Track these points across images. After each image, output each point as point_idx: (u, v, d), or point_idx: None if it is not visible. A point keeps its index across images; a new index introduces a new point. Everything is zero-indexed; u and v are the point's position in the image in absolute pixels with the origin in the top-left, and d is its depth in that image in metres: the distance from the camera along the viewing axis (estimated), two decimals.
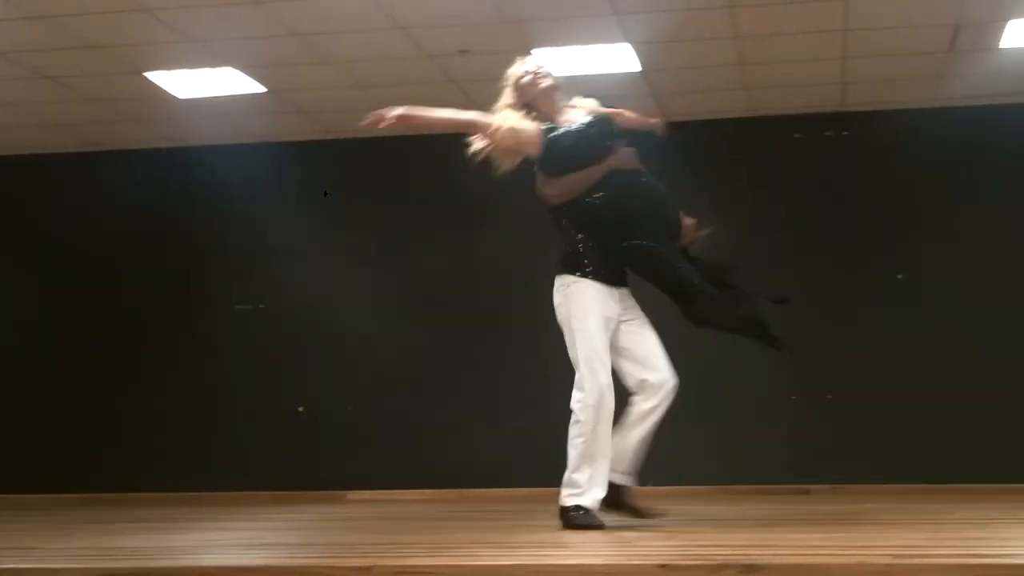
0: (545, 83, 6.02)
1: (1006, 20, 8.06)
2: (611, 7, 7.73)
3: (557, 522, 5.62)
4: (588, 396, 5.59)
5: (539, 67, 6.09)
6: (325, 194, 10.38)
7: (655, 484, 9.35)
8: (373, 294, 10.27)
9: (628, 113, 6.25)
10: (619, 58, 8.61)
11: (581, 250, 5.75)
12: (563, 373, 9.71)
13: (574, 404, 5.69)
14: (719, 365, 8.99)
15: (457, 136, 10.22)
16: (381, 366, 10.12)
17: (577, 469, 5.59)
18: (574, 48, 8.44)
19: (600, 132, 5.91)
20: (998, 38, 8.35)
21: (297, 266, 10.39)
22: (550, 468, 9.49)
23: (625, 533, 5.32)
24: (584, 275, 5.72)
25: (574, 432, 5.64)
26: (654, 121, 6.36)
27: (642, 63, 8.73)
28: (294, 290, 10.36)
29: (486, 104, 9.55)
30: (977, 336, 9.42)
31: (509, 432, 9.75)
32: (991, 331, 9.43)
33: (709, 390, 9.13)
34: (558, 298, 5.81)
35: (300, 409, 10.23)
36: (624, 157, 5.87)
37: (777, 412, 9.45)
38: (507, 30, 8.09)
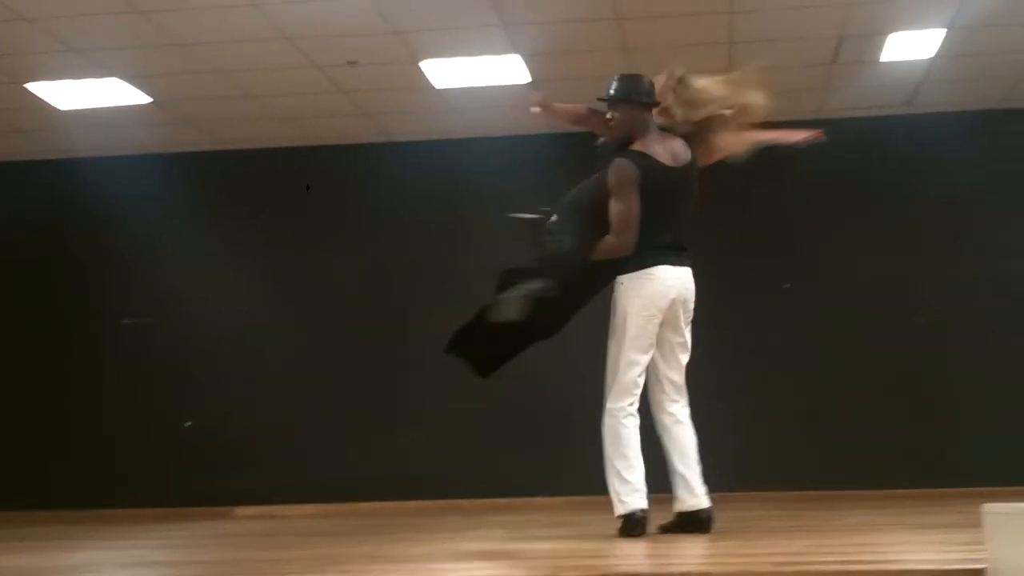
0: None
1: (886, 33, 8.22)
2: (499, 19, 7.74)
3: (447, 535, 5.58)
4: None
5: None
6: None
7: (549, 494, 9.46)
8: (261, 306, 10.16)
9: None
10: (508, 69, 8.62)
11: None
12: (453, 384, 9.79)
13: None
14: None
15: (343, 147, 10.25)
16: (270, 379, 10.00)
17: None
18: (462, 59, 8.44)
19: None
20: (879, 51, 8.51)
21: (184, 279, 10.22)
22: (441, 480, 9.57)
23: (512, 545, 5.30)
24: None
25: None
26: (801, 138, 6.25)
27: (532, 74, 8.75)
28: (181, 303, 10.21)
29: (376, 114, 9.58)
30: (863, 344, 9.57)
31: (400, 445, 9.70)
32: (877, 339, 9.59)
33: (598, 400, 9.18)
34: None
35: (187, 424, 10.06)
36: None
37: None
38: (395, 41, 8.06)
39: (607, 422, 5.63)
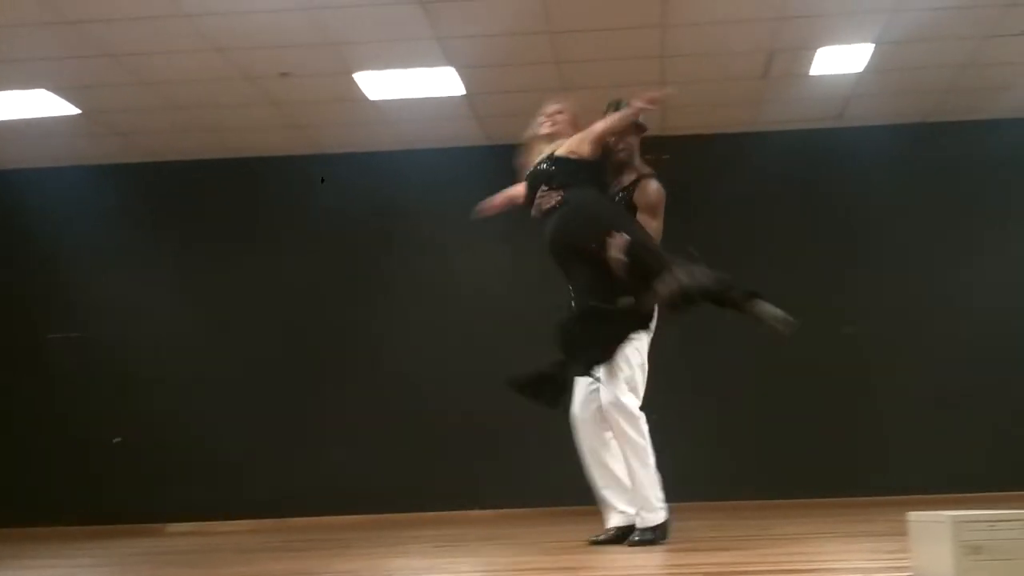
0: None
1: (816, 48, 8.31)
2: (433, 31, 7.73)
3: (377, 550, 5.55)
4: None
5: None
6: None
7: (481, 508, 9.45)
8: (192, 321, 10.06)
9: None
10: (442, 81, 8.62)
11: None
12: (384, 399, 9.76)
13: None
14: None
15: (275, 159, 10.19)
16: (200, 395, 9.90)
17: None
18: (396, 71, 8.43)
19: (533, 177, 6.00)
20: (809, 65, 8.60)
21: (113, 292, 10.11)
22: (373, 495, 9.52)
23: (440, 559, 5.28)
24: None
25: None
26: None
27: (466, 87, 8.76)
28: (110, 317, 10.09)
29: (308, 126, 9.54)
30: (792, 354, 9.61)
31: (330, 460, 9.64)
32: (806, 349, 9.64)
33: (531, 411, 9.20)
34: None
35: (117, 440, 9.94)
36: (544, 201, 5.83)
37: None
38: (328, 52, 8.03)
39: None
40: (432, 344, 9.89)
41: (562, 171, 5.83)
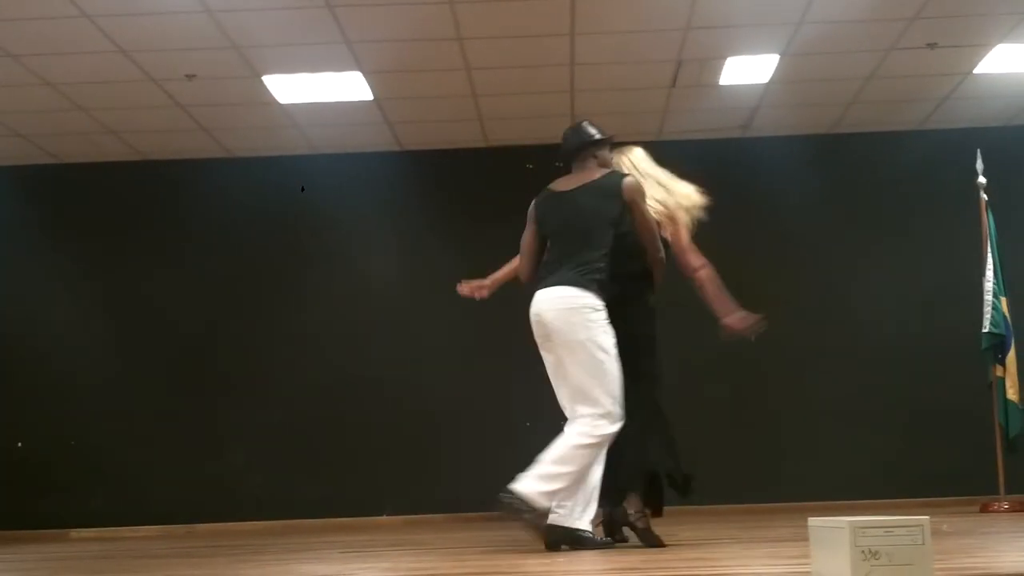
0: None
1: (725, 57, 8.40)
2: (341, 35, 7.70)
3: (283, 556, 5.50)
4: None
5: None
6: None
7: (392, 513, 9.42)
8: (95, 325, 9.94)
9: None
10: (350, 86, 8.59)
11: None
12: (293, 404, 9.69)
13: None
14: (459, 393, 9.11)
15: (181, 162, 10.08)
16: (103, 399, 9.78)
17: None
18: (304, 76, 8.38)
19: None
20: (718, 75, 8.70)
21: (15, 294, 9.97)
22: (280, 502, 9.46)
23: (350, 564, 5.26)
24: None
25: None
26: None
27: (374, 92, 8.73)
28: (12, 319, 9.93)
29: (215, 128, 9.43)
30: (695, 362, 9.71)
31: (238, 467, 9.58)
32: (709, 357, 9.73)
33: (436, 420, 9.25)
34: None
35: (19, 444, 9.77)
36: None
37: (511, 438, 9.53)
38: (235, 55, 7.96)
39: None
40: (339, 350, 9.84)
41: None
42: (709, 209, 9.96)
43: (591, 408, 5.44)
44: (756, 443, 9.57)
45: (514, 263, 5.97)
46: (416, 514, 9.33)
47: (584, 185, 5.73)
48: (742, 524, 7.29)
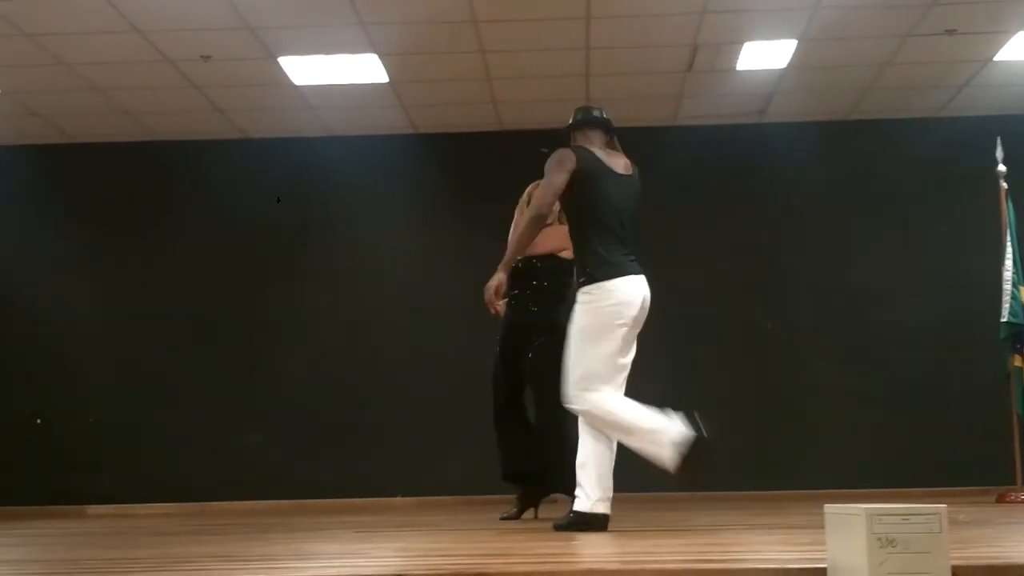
0: None
1: (742, 42, 8.36)
2: (356, 16, 7.68)
3: (295, 534, 5.51)
4: None
5: None
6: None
7: (405, 495, 9.44)
8: (110, 304, 9.98)
9: None
10: (366, 68, 8.57)
11: None
12: (304, 387, 9.71)
13: None
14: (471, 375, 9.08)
15: (196, 143, 10.09)
16: (120, 377, 9.84)
17: None
18: (319, 57, 8.37)
19: None
20: (735, 60, 8.65)
21: (33, 273, 10.02)
22: (292, 481, 9.47)
23: (360, 544, 5.26)
24: None
25: None
26: None
27: (389, 74, 8.71)
28: (30, 297, 9.97)
29: (230, 110, 9.43)
30: (713, 348, 9.72)
31: (249, 444, 9.61)
32: (727, 344, 9.75)
33: (449, 401, 9.24)
34: None
35: (38, 421, 9.82)
36: None
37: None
38: (250, 37, 7.95)
39: None
40: (352, 331, 9.86)
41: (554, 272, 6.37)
42: (724, 195, 10.00)
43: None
44: (771, 431, 9.56)
45: (518, 239, 5.89)
46: (428, 496, 9.33)
47: (632, 175, 5.91)
48: (756, 511, 7.27)
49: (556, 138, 9.97)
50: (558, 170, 5.57)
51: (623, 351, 5.77)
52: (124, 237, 10.07)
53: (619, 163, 5.83)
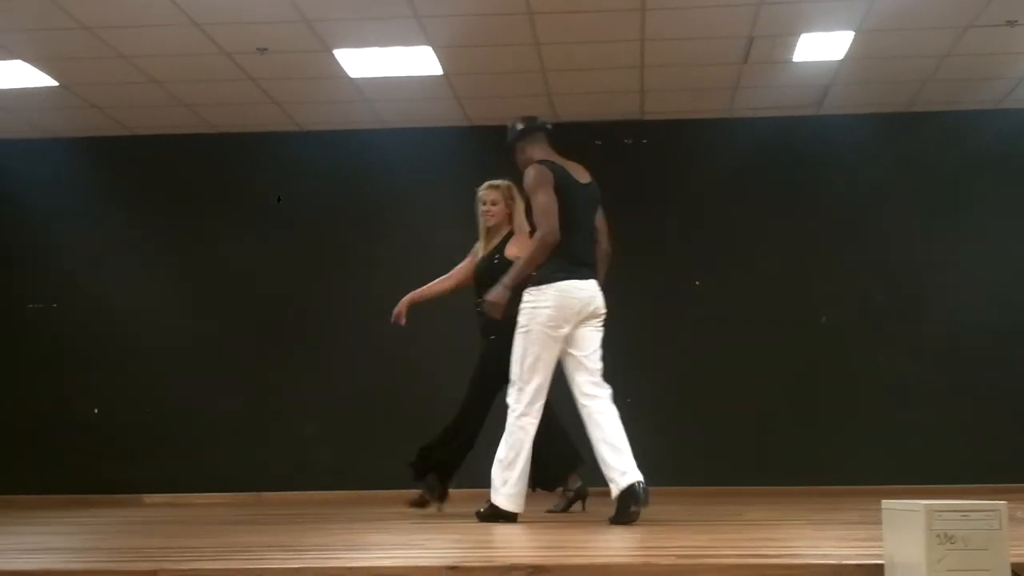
0: None
1: (798, 34, 8.30)
2: (411, 9, 7.69)
3: (350, 525, 5.55)
4: None
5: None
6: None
7: (459, 487, 9.44)
8: (169, 294, 10.06)
9: None
10: (420, 61, 8.59)
11: None
12: (365, 377, 9.76)
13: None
14: None
15: (253, 135, 10.16)
16: (178, 367, 9.92)
17: None
18: (374, 50, 8.39)
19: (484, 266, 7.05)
20: (791, 51, 8.59)
21: (92, 264, 10.13)
22: (351, 472, 9.52)
23: (416, 535, 5.29)
24: None
25: None
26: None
27: (443, 67, 8.72)
28: (88, 288, 10.09)
29: (286, 102, 9.49)
30: (768, 342, 9.68)
31: (308, 436, 9.66)
32: (782, 338, 9.70)
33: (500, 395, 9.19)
34: None
35: (96, 411, 9.94)
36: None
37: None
38: (306, 29, 7.98)
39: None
40: (410, 323, 9.87)
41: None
42: (780, 187, 9.94)
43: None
44: (829, 425, 9.49)
45: (528, 261, 5.96)
46: (483, 488, 9.32)
47: (592, 183, 6.14)
48: (811, 506, 7.24)
49: (610, 130, 10.02)
50: (545, 189, 5.88)
51: (550, 350, 5.91)
52: (181, 228, 10.16)
53: (580, 173, 6.13)
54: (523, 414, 5.93)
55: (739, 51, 8.57)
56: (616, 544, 4.70)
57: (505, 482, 5.98)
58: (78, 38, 8.05)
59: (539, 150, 6.12)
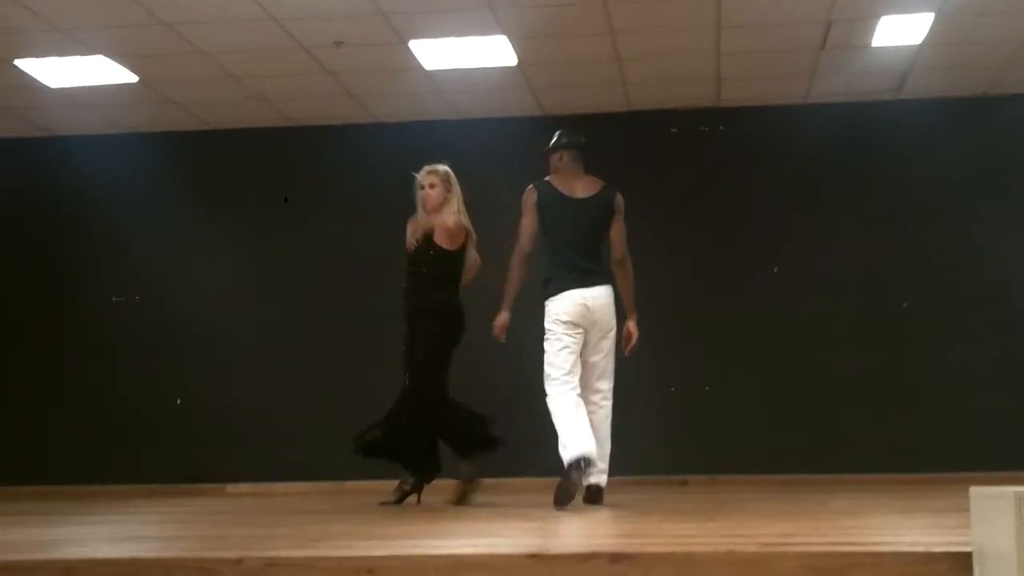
0: None
1: (877, 17, 8.19)
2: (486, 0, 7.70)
3: (430, 514, 5.59)
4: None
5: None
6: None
7: (535, 475, 9.45)
8: (250, 286, 10.17)
9: None
10: (495, 51, 8.60)
11: None
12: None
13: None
14: None
15: (328, 128, 10.22)
16: (259, 357, 10.01)
17: None
18: (449, 40, 8.40)
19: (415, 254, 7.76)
20: (870, 36, 8.49)
21: (173, 257, 10.25)
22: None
23: (497, 524, 5.31)
24: None
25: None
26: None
27: (518, 56, 8.72)
28: (171, 281, 10.22)
29: (362, 95, 9.54)
30: (850, 329, 9.59)
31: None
32: (863, 324, 9.61)
33: None
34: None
35: (178, 401, 10.09)
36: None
37: (657, 404, 9.50)
38: (382, 21, 8.02)
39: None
40: (482, 315, 9.88)
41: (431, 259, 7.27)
42: (859, 173, 9.85)
43: (609, 383, 6.93)
44: (915, 412, 9.39)
45: (510, 280, 7.12)
46: (557, 476, 9.33)
47: (593, 196, 6.94)
48: (897, 494, 7.18)
49: (686, 118, 9.97)
50: (526, 211, 6.96)
51: (569, 348, 6.75)
52: (260, 221, 10.24)
53: (579, 187, 6.95)
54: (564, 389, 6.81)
55: (817, 36, 8.48)
56: (699, 532, 4.69)
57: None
58: (156, 34, 8.14)
59: (555, 165, 7.06)
